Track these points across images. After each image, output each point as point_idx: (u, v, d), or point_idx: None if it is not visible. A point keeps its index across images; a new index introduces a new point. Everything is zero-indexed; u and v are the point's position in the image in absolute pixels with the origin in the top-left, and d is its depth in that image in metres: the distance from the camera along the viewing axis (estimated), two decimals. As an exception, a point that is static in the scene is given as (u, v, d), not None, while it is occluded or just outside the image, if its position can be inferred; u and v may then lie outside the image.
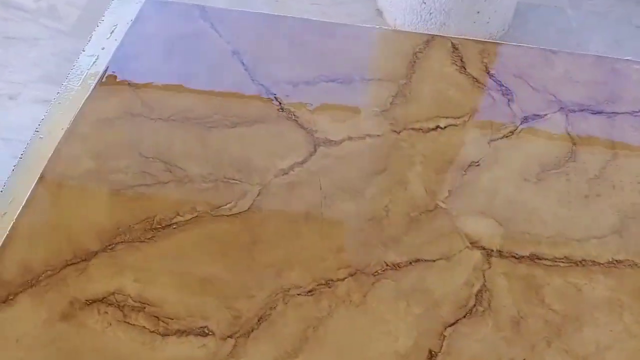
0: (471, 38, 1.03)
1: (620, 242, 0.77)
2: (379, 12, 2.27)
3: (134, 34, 1.04)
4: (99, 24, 1.07)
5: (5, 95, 2.17)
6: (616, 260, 0.75)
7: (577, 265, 0.75)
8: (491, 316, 0.71)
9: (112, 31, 1.05)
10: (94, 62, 1.00)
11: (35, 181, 0.83)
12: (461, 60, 0.99)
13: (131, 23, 1.05)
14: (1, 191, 0.85)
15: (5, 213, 0.82)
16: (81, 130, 0.89)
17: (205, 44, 1.02)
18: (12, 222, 0.79)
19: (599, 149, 0.87)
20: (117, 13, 1.09)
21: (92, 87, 0.95)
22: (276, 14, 1.12)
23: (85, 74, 0.98)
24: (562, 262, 0.75)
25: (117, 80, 0.96)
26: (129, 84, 0.96)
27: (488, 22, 2.11)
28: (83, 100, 0.93)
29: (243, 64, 0.99)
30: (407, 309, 0.71)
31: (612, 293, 0.72)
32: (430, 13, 2.07)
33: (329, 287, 0.73)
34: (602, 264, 0.75)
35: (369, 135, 0.89)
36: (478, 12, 2.07)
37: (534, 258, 0.76)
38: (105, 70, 0.97)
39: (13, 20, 2.32)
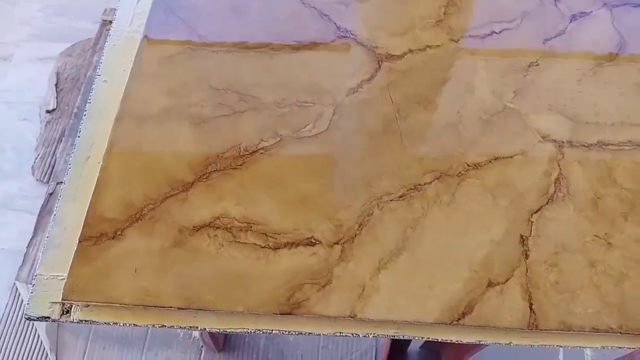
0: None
1: (678, 123, 0.83)
2: None
3: (172, -32, 1.02)
4: (132, -39, 1.05)
5: (-3, 58, 2.10)
6: (676, 139, 0.82)
7: (642, 147, 0.81)
8: (571, 200, 0.77)
9: (149, -33, 1.03)
10: (138, 2, 0.99)
11: (113, 123, 0.85)
12: (504, -35, 1.00)
13: (166, -43, 1.03)
14: (79, 137, 0.87)
15: (89, 157, 0.85)
16: (145, 70, 0.90)
17: (247, -28, 1.01)
18: (99, 164, 0.82)
19: (648, 39, 0.92)
20: (148, -52, 1.06)
21: (143, 26, 0.95)
22: None
23: (132, 13, 0.98)
24: (627, 145, 0.81)
25: (168, 17, 0.96)
26: (180, 19, 0.96)
27: None
28: (139, 41, 0.93)
29: (290, -12, 0.99)
30: (494, 202, 0.77)
31: (676, 168, 0.79)
32: None
33: (419, 191, 0.78)
34: (664, 143, 0.81)
35: (429, 47, 0.92)
36: None
37: (602, 144, 0.82)
38: (152, 8, 0.97)
39: (-11, -25, 2.20)
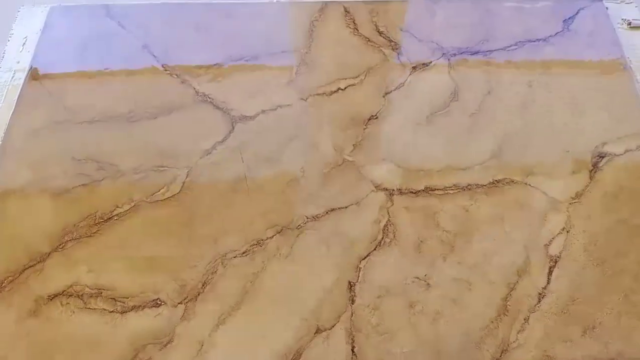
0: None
1: (499, 165, 0.91)
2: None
3: (45, 43, 1.09)
4: (9, 38, 1.11)
5: None
6: (496, 180, 0.90)
7: (464, 190, 0.89)
8: (397, 244, 0.84)
9: (24, 43, 1.09)
10: (12, 77, 1.05)
11: (-20, 199, 0.90)
12: (354, 23, 1.09)
13: (40, 33, 1.10)
14: (-51, 213, 0.92)
15: (-43, 233, 0.89)
16: (13, 145, 0.96)
17: (115, 43, 1.08)
18: (-34, 240, 0.87)
19: (478, 86, 1.00)
20: (24, 24, 1.12)
21: (14, 102, 1.00)
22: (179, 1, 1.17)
23: (5, 90, 1.03)
24: (452, 189, 0.89)
25: (37, 91, 1.02)
26: (49, 93, 1.02)
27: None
28: (9, 117, 0.99)
29: (154, 56, 1.06)
30: (327, 252, 0.84)
31: (493, 208, 0.87)
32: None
33: (261, 246, 0.85)
34: (484, 185, 0.89)
35: (280, 106, 0.99)
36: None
37: (428, 190, 0.89)
38: (24, 84, 1.03)
39: None
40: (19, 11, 1.15)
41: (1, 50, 1.10)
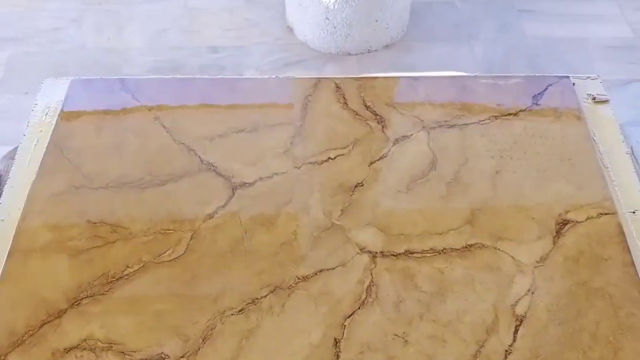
0: (352, 76, 1.25)
1: (472, 230, 1.01)
2: (290, 30, 2.47)
3: (66, 113, 1.21)
4: (33, 108, 1.23)
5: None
6: (469, 245, 1.00)
7: (440, 253, 0.99)
8: (378, 304, 0.93)
9: (47, 113, 1.21)
10: (35, 145, 1.16)
11: (5, 258, 1.00)
12: (344, 98, 1.21)
13: (61, 103, 1.22)
14: (-24, 271, 1.02)
15: (-17, 290, 0.99)
16: (34, 208, 1.06)
17: (128, 114, 1.20)
18: (-9, 296, 0.97)
19: (454, 156, 1.11)
20: (47, 95, 1.25)
21: (37, 168, 1.12)
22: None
23: (29, 156, 1.15)
24: (429, 253, 0.99)
25: (58, 158, 1.13)
26: (68, 160, 1.13)
27: (387, 28, 2.35)
28: (32, 181, 1.10)
29: (164, 127, 1.17)
30: (315, 310, 0.93)
31: (466, 270, 0.97)
32: (335, 27, 2.30)
33: (255, 305, 0.94)
34: (458, 249, 0.99)
35: (276, 174, 1.10)
36: (376, 21, 2.31)
37: (408, 253, 0.99)
38: (46, 151, 1.14)
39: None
40: (42, 83, 1.27)
41: (26, 119, 1.22)
